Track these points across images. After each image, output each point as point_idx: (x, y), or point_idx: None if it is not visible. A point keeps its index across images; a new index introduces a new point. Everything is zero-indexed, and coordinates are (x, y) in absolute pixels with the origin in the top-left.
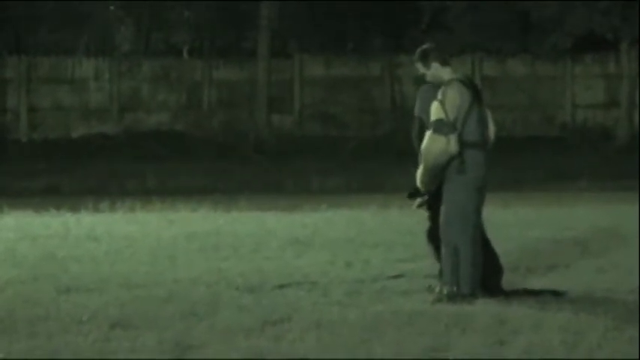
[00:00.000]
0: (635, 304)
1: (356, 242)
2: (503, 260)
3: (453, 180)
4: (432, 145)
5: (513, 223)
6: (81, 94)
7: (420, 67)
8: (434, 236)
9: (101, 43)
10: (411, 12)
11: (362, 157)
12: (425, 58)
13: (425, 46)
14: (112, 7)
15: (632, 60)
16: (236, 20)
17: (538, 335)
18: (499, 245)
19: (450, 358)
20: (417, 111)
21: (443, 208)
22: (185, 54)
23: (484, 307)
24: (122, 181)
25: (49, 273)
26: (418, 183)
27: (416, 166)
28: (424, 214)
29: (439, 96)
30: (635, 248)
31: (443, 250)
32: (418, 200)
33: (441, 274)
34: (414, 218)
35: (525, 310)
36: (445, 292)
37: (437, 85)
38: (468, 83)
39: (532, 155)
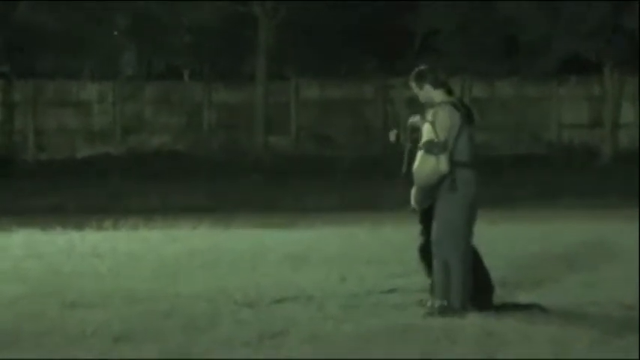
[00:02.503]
0: (621, 318)
1: (350, 258)
2: (492, 275)
3: (445, 197)
4: (423, 165)
5: (502, 240)
6: (85, 116)
7: (414, 87)
8: (426, 252)
9: (105, 68)
10: (403, 36)
11: (355, 176)
12: (419, 79)
13: (421, 67)
14: (115, 33)
15: (614, 82)
16: (235, 45)
17: (526, 348)
18: (488, 261)
19: None
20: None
21: (435, 225)
22: (186, 77)
23: (474, 321)
24: (125, 199)
25: (55, 289)
26: (412, 202)
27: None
28: (416, 230)
29: (430, 117)
30: (622, 263)
31: (434, 265)
32: (394, 132)
33: (432, 289)
34: (406, 235)
35: (514, 323)
36: (436, 306)
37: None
38: (459, 105)
39: (520, 173)
